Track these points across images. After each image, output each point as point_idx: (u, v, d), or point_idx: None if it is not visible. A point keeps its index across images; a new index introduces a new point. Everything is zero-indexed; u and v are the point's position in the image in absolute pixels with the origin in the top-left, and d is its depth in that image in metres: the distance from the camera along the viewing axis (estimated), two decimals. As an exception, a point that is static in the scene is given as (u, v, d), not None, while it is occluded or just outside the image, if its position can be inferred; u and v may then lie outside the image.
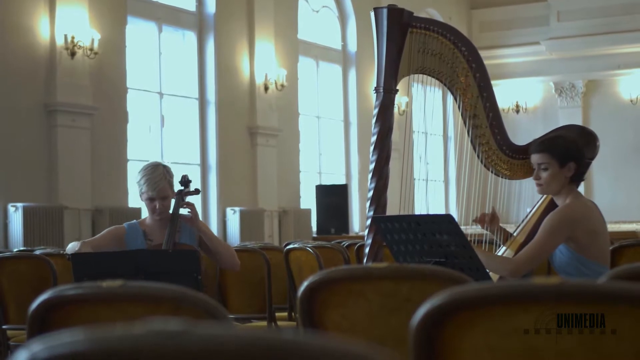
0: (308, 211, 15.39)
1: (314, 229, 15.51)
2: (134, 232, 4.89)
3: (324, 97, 17.08)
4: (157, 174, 4.79)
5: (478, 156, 4.94)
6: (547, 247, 4.17)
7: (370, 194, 5.11)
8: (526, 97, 21.28)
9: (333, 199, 15.51)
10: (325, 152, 17.07)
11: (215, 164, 13.80)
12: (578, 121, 19.64)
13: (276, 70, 14.76)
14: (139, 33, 13.01)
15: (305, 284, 2.52)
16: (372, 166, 5.14)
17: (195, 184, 5.09)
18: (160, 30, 13.39)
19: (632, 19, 19.41)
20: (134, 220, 5.04)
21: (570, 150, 4.27)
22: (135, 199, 11.93)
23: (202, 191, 13.29)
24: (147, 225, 4.92)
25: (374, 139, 5.12)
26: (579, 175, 4.30)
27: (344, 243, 7.60)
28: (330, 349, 1.07)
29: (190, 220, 4.82)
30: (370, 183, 5.12)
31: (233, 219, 13.71)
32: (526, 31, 20.56)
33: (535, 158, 4.31)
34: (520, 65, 20.55)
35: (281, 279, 6.26)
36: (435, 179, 19.84)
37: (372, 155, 5.13)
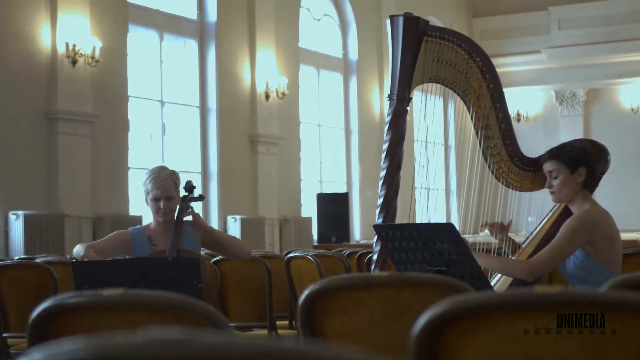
0: (309, 219, 15.39)
1: (315, 237, 15.50)
2: (140, 237, 4.90)
3: (325, 105, 17.09)
4: (164, 174, 4.82)
5: (489, 167, 4.93)
6: (565, 250, 4.18)
7: (380, 201, 5.09)
8: (527, 105, 21.29)
9: (334, 207, 15.51)
10: (326, 160, 17.07)
11: (216, 172, 13.81)
12: (579, 129, 19.68)
13: (277, 78, 14.77)
14: (140, 41, 13.03)
15: (306, 292, 2.52)
16: (382, 173, 5.12)
17: (197, 192, 5.10)
18: (161, 38, 13.41)
19: (632, 28, 19.43)
20: (139, 226, 5.06)
21: (579, 155, 4.29)
22: (136, 206, 11.94)
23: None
24: (152, 230, 4.93)
25: (385, 146, 5.12)
26: (591, 180, 4.32)
27: (344, 251, 7.60)
28: (332, 357, 1.07)
29: (194, 222, 4.84)
30: (381, 190, 5.11)
31: (234, 227, 13.71)
32: (527, 39, 20.58)
33: (545, 166, 4.35)
34: (521, 74, 20.55)
35: (282, 287, 6.26)
36: (436, 187, 19.82)
37: (384, 163, 5.11)
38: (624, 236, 14.40)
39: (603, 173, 4.91)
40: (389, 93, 5.13)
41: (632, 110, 20.47)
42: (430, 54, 5.05)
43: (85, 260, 4.47)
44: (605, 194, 19.52)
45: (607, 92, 20.91)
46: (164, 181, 4.80)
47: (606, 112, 20.79)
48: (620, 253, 4.34)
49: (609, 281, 2.57)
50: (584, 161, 4.29)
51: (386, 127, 5.13)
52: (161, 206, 4.82)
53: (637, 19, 19.51)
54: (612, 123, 20.37)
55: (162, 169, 4.87)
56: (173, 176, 4.87)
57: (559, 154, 4.32)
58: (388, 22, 5.17)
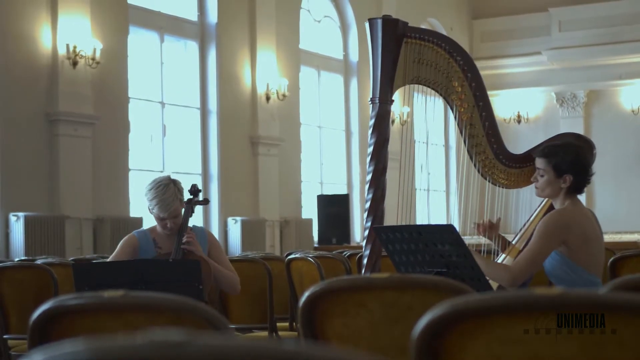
0: (309, 221, 15.39)
1: (316, 238, 15.50)
2: (146, 241, 4.89)
3: (326, 106, 17.09)
4: (169, 195, 4.73)
5: (475, 165, 4.94)
6: (542, 252, 4.16)
7: (368, 204, 5.10)
8: (528, 107, 21.28)
9: (334, 208, 15.51)
10: (327, 162, 17.07)
11: (217, 173, 13.81)
12: (579, 131, 19.58)
13: (278, 79, 14.77)
14: (141, 42, 13.03)
15: (306, 294, 2.52)
16: (369, 177, 5.13)
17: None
18: (162, 40, 13.41)
19: (633, 29, 19.43)
20: (144, 228, 5.03)
21: (570, 162, 4.25)
22: (137, 208, 11.95)
23: (204, 201, 13.28)
24: (157, 233, 4.90)
25: (370, 149, 5.13)
26: (578, 187, 4.30)
27: (345, 253, 7.60)
28: (332, 358, 1.07)
29: (191, 253, 4.79)
30: (368, 194, 5.11)
31: (234, 228, 13.71)
32: (528, 41, 20.58)
33: (536, 162, 4.33)
34: (522, 75, 20.56)
35: (282, 289, 6.26)
36: (437, 188, 19.83)
37: (369, 166, 5.12)
38: (624, 238, 14.42)
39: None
40: (370, 97, 5.13)
41: (633, 111, 20.47)
42: (411, 55, 5.05)
43: None
44: (606, 196, 19.61)
45: (607, 93, 20.90)
46: (170, 204, 4.74)
47: (607, 113, 20.78)
48: (598, 254, 4.29)
49: (610, 283, 2.57)
50: (573, 169, 4.25)
51: (370, 131, 5.14)
52: (168, 225, 4.79)
53: (638, 20, 19.51)
54: (613, 125, 20.37)
55: (166, 188, 4.75)
56: (178, 193, 4.78)
57: (550, 156, 4.28)
58: (367, 25, 5.17)
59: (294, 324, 6.34)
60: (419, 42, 5.04)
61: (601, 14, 19.78)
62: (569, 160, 4.25)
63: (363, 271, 5.04)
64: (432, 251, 3.99)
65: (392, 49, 5.05)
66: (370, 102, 5.14)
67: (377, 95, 5.08)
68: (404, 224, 4.91)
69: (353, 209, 16.67)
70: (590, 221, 4.27)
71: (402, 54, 5.05)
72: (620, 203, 19.81)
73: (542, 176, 4.29)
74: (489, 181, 4.94)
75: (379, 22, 5.11)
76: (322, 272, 5.97)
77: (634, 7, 19.62)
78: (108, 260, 4.83)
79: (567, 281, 4.18)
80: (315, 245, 15.09)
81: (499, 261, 4.62)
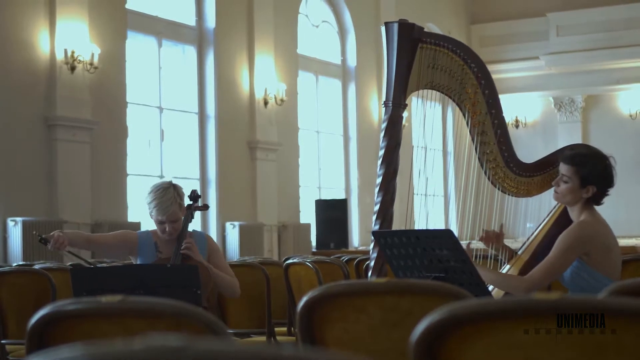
0: (307, 226, 15.38)
1: (314, 243, 15.49)
2: (147, 242, 4.89)
3: (324, 111, 17.09)
4: (167, 198, 4.74)
5: (485, 173, 4.93)
6: (561, 265, 4.17)
7: (377, 208, 5.08)
8: (525, 112, 21.30)
9: (332, 213, 15.51)
10: (325, 166, 17.07)
11: (215, 178, 13.80)
12: (577, 136, 19.68)
13: (276, 84, 14.77)
14: (139, 47, 13.03)
15: (304, 298, 2.52)
16: (378, 180, 5.11)
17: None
18: (160, 45, 13.41)
19: (631, 34, 19.46)
20: (148, 230, 5.03)
21: (597, 175, 4.25)
22: (135, 213, 11.94)
23: (202, 205, 13.27)
24: (159, 237, 4.90)
25: (381, 152, 5.11)
26: (598, 199, 4.30)
27: (343, 258, 7.59)
28: (331, 364, 1.06)
29: (190, 259, 4.78)
30: (377, 197, 5.09)
31: (232, 233, 13.70)
32: (525, 46, 20.61)
33: (561, 167, 4.31)
34: (520, 80, 20.57)
35: (281, 294, 6.25)
36: (435, 193, 19.83)
37: (380, 170, 5.11)
38: (623, 242, 14.41)
39: None
40: (384, 100, 5.13)
41: (631, 116, 20.49)
42: (426, 60, 5.05)
43: (48, 241, 4.49)
44: (604, 200, 19.57)
45: (605, 98, 20.92)
46: (168, 207, 4.73)
47: (604, 118, 20.80)
48: (618, 262, 4.32)
49: (608, 287, 2.57)
50: (597, 182, 4.26)
51: (382, 134, 5.13)
52: (166, 229, 4.79)
53: (636, 25, 19.54)
54: (611, 129, 20.38)
55: (165, 192, 4.77)
56: (177, 197, 4.79)
57: (579, 165, 4.26)
58: (383, 28, 5.17)
59: (292, 328, 6.34)
60: (434, 48, 5.03)
61: (599, 18, 19.81)
62: (596, 172, 4.25)
63: (369, 275, 5.03)
64: (430, 256, 3.98)
65: (407, 53, 5.04)
66: (383, 105, 5.13)
67: (391, 99, 5.07)
68: (402, 228, 4.91)
69: (351, 214, 16.67)
70: (609, 229, 4.29)
71: (417, 58, 5.05)
72: (618, 207, 19.77)
73: (565, 182, 4.28)
74: (498, 189, 4.93)
75: (395, 26, 5.11)
76: (320, 277, 5.97)
77: (632, 12, 19.66)
78: (92, 235, 4.83)
79: (583, 287, 4.17)
80: (313, 250, 15.08)
81: (504, 272, 4.60)
